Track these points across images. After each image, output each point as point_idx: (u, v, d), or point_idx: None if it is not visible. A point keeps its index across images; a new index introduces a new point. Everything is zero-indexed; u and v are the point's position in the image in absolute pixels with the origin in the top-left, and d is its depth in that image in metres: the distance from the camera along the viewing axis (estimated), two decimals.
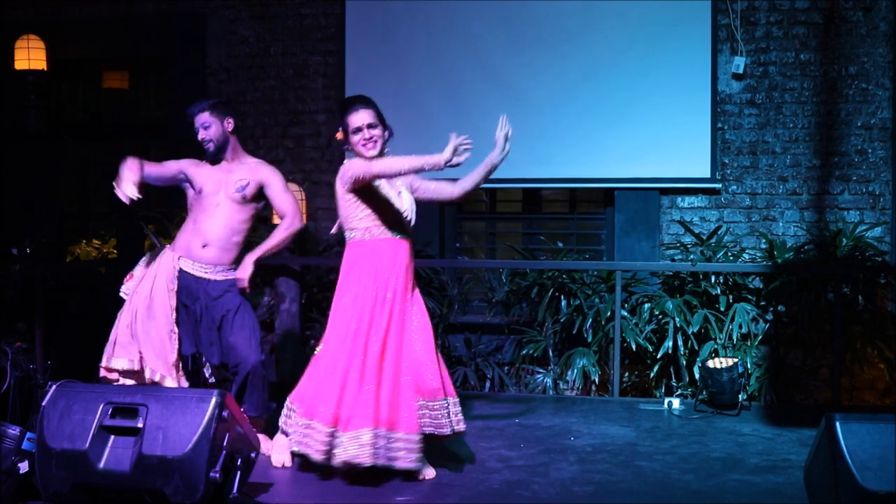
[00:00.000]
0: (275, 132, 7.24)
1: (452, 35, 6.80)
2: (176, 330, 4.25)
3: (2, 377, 4.33)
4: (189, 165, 4.42)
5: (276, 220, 6.35)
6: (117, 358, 4.17)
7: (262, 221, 6.86)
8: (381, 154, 4.03)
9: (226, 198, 4.33)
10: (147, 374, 4.18)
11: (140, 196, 3.96)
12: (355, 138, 4.02)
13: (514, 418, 5.18)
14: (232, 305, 4.30)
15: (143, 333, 4.19)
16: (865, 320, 5.88)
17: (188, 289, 4.29)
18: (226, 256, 4.34)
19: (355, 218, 4.03)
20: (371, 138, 4.00)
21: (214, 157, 4.39)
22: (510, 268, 6.54)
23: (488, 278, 6.63)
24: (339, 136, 4.11)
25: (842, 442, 3.06)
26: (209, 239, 4.30)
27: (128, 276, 4.37)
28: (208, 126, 4.36)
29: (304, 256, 6.47)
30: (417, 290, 4.12)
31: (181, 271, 4.29)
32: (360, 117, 4.02)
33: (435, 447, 4.09)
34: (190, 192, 4.40)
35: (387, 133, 4.09)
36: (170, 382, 4.16)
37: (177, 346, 4.25)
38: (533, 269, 6.31)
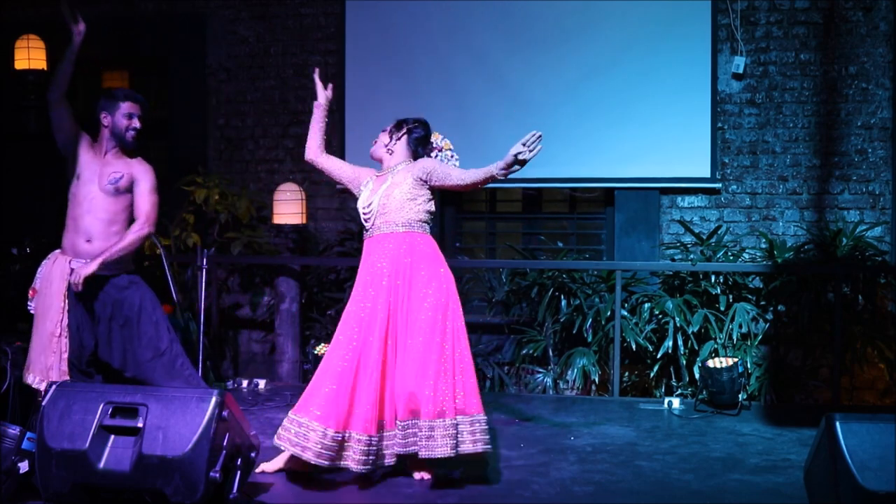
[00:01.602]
0: (275, 132, 7.24)
1: (452, 35, 6.80)
2: (61, 334, 4.18)
3: (2, 377, 4.33)
4: (84, 142, 4.29)
5: (275, 218, 6.38)
6: (30, 373, 4.17)
7: (261, 221, 6.88)
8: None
9: (99, 190, 4.22)
10: (32, 381, 4.15)
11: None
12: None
13: (514, 418, 5.18)
14: (132, 311, 4.23)
15: (32, 342, 4.18)
16: (865, 320, 5.88)
17: (88, 288, 4.16)
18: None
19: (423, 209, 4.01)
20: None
21: (132, 149, 4.29)
22: (510, 268, 6.54)
23: (488, 278, 6.63)
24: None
25: (842, 442, 3.06)
26: (91, 233, 4.22)
27: (31, 292, 4.31)
28: (141, 119, 4.29)
29: (304, 256, 6.48)
30: (431, 297, 3.90)
31: (73, 271, 4.17)
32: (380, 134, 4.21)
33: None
34: (72, 179, 4.28)
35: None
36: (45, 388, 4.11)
37: (62, 351, 4.18)
38: (533, 268, 6.31)
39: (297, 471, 3.91)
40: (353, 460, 3.74)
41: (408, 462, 3.92)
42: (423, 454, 3.70)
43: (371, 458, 3.76)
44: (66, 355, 4.19)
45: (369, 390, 3.78)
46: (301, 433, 3.77)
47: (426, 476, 3.89)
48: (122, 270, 4.27)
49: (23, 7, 7.43)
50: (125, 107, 4.25)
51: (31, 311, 4.29)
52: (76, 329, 4.21)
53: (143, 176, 4.29)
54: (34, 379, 4.16)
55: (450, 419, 3.73)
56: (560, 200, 7.09)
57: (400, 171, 4.05)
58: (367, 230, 4.04)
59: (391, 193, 3.98)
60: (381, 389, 3.82)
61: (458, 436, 3.75)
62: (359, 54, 6.97)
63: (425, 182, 4.00)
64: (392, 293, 3.88)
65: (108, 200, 4.23)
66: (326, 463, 3.72)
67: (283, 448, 3.85)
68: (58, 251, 4.31)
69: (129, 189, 4.26)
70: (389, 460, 3.86)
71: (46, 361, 4.16)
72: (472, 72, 6.71)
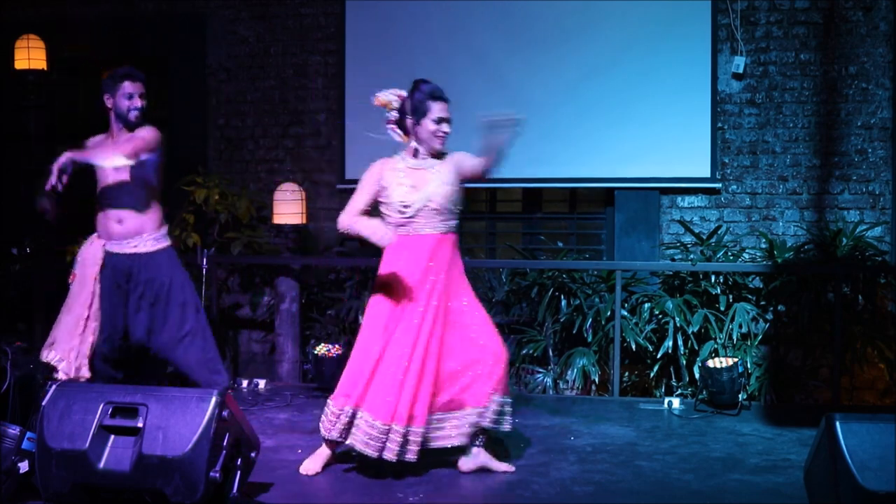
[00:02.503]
0: (275, 132, 7.24)
1: (452, 35, 6.80)
2: (89, 317, 4.27)
3: (2, 377, 4.33)
4: (89, 149, 4.37)
5: (275, 218, 6.37)
6: (52, 351, 4.27)
7: (261, 221, 6.88)
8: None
9: (116, 171, 4.30)
10: (52, 359, 4.24)
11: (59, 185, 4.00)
12: (433, 127, 3.97)
13: (515, 418, 5.17)
14: (161, 290, 4.36)
15: (59, 320, 4.28)
16: (865, 320, 5.88)
17: (114, 269, 4.30)
18: (142, 225, 4.36)
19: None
20: (446, 133, 4.01)
21: (133, 128, 4.32)
22: (510, 267, 6.53)
23: (488, 278, 6.63)
24: (384, 102, 4.02)
25: (842, 442, 3.06)
26: (120, 214, 4.31)
27: (71, 276, 4.38)
28: (143, 97, 4.32)
29: (304, 256, 6.48)
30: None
31: (108, 253, 4.30)
32: (445, 108, 4.01)
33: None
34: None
35: None
36: (63, 368, 4.21)
37: (89, 335, 4.26)
38: (533, 268, 6.31)
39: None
40: (391, 451, 3.77)
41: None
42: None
43: (412, 448, 3.80)
44: (92, 339, 4.24)
45: (414, 382, 3.81)
46: (370, 433, 3.79)
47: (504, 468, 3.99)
48: (159, 248, 4.37)
49: (23, 7, 7.43)
50: (125, 87, 4.30)
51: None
52: (110, 313, 4.30)
53: (145, 133, 4.32)
54: (54, 356, 4.24)
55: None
56: (560, 200, 7.09)
57: (439, 165, 4.01)
58: (403, 226, 3.96)
59: (437, 191, 3.94)
60: (422, 382, 3.84)
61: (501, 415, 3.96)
62: (359, 54, 6.97)
63: (458, 176, 4.00)
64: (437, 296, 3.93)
65: (125, 172, 4.30)
66: (375, 454, 3.77)
67: (331, 439, 3.90)
68: (94, 235, 4.41)
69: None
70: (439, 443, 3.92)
71: (71, 342, 4.24)
72: (472, 72, 6.71)
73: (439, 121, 3.98)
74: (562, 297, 6.21)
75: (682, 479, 4.02)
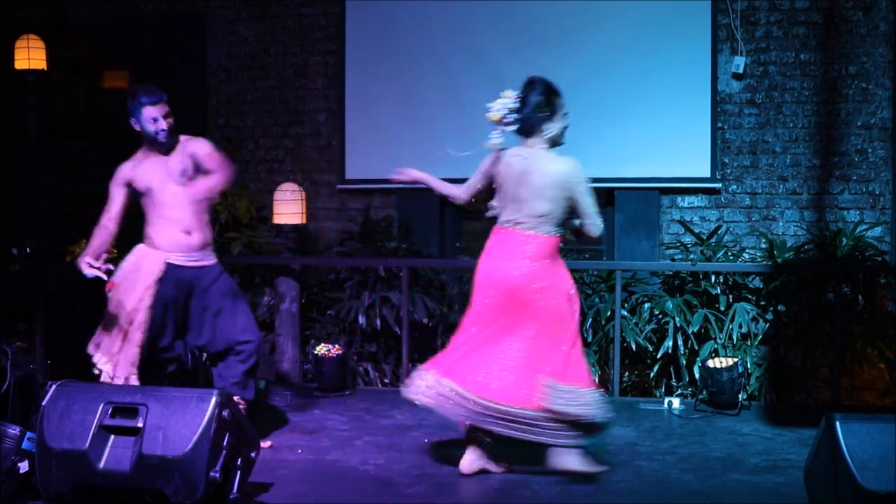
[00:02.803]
0: (275, 132, 7.24)
1: (452, 35, 6.80)
2: (137, 324, 4.26)
3: (2, 377, 4.33)
4: (128, 173, 4.37)
5: (275, 218, 6.37)
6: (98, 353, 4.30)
7: (261, 221, 6.87)
8: None
9: (176, 185, 4.31)
10: (98, 360, 4.27)
11: (101, 268, 4.10)
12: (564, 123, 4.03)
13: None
14: (228, 289, 4.46)
15: (104, 326, 4.29)
16: (865, 320, 5.87)
17: (178, 281, 4.31)
18: (206, 239, 4.40)
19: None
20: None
21: (168, 148, 4.34)
22: None
23: None
24: (498, 117, 3.98)
25: (842, 442, 3.06)
26: (186, 225, 4.32)
27: (109, 286, 4.36)
28: (168, 115, 4.32)
29: (304, 256, 6.47)
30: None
31: (170, 266, 4.30)
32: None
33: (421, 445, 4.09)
34: (143, 196, 4.37)
35: None
36: (107, 371, 4.24)
37: (135, 341, 4.25)
38: None
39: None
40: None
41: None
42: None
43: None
44: (136, 349, 4.25)
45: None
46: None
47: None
48: (212, 260, 4.44)
49: (23, 7, 7.43)
50: (147, 112, 4.28)
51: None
52: (161, 323, 4.31)
53: (197, 147, 4.37)
54: (100, 359, 4.26)
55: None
56: None
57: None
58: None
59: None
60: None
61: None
62: (359, 54, 6.97)
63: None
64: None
65: (188, 191, 4.31)
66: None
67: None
68: (141, 246, 4.38)
69: (197, 171, 4.35)
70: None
71: (111, 350, 4.26)
72: (472, 72, 6.71)
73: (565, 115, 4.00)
74: None
75: (682, 479, 4.02)
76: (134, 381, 4.24)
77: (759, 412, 5.35)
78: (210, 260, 4.42)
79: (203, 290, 4.38)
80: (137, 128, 4.32)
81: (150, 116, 4.26)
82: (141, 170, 4.35)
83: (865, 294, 5.91)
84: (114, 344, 4.25)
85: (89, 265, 4.12)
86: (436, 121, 6.71)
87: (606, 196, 6.80)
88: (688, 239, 6.32)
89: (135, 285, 4.27)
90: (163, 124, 4.27)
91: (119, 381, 4.20)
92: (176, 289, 4.31)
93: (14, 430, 3.56)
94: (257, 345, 4.49)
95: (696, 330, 5.74)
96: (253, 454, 3.50)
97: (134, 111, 4.29)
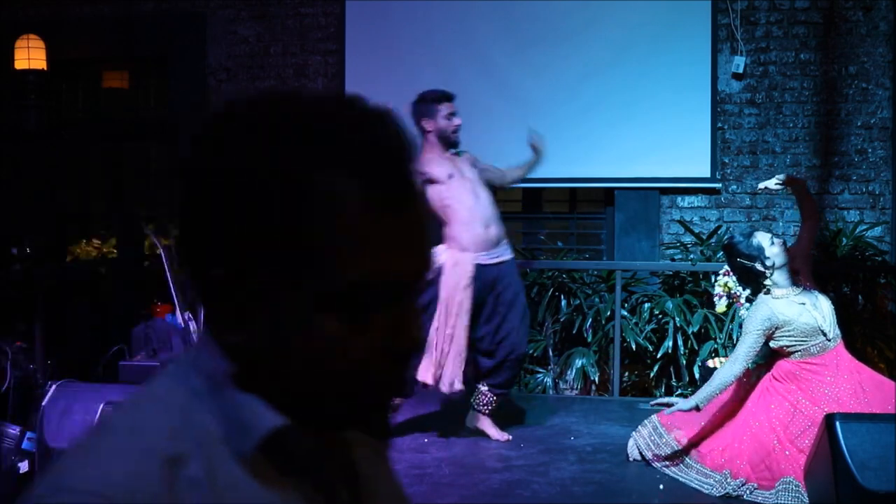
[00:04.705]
0: None
1: (452, 35, 6.80)
2: (461, 331, 4.29)
3: (2, 377, 4.33)
4: (434, 168, 4.35)
5: None
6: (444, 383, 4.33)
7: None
8: None
9: (473, 181, 4.41)
10: (448, 389, 4.34)
11: None
12: None
13: (515, 418, 5.17)
14: (519, 287, 4.56)
15: (443, 351, 4.31)
16: (865, 320, 5.87)
17: (487, 279, 4.38)
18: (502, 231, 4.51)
19: None
20: None
21: (456, 146, 4.45)
22: None
23: None
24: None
25: (842, 442, 3.06)
26: (487, 219, 4.39)
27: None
28: (457, 112, 4.42)
29: None
30: None
31: (478, 266, 4.34)
32: None
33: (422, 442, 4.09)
34: (440, 190, 4.33)
35: None
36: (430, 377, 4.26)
37: (452, 353, 4.27)
38: (533, 268, 6.31)
39: None
40: None
41: None
42: None
43: None
44: (457, 353, 4.28)
45: None
46: None
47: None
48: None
49: (23, 7, 7.43)
50: (443, 108, 4.35)
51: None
52: (470, 323, 4.35)
53: (474, 162, 4.54)
54: (450, 388, 4.28)
55: None
56: (560, 200, 7.09)
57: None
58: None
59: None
60: None
61: None
62: (359, 54, 6.97)
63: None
64: None
65: (484, 188, 4.45)
66: None
67: None
68: (454, 249, 4.33)
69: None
70: None
71: (457, 368, 4.30)
72: (473, 71, 6.71)
73: None
74: (562, 296, 6.21)
75: None
76: (458, 385, 4.32)
77: None
78: (508, 254, 4.59)
79: (503, 283, 4.52)
80: (430, 127, 4.38)
81: (447, 113, 4.39)
82: (437, 166, 4.37)
83: (865, 294, 5.91)
84: (457, 359, 4.33)
85: None
86: None
87: (606, 196, 6.80)
88: (688, 239, 6.32)
89: (457, 295, 4.38)
90: (457, 120, 4.43)
91: (445, 391, 4.28)
92: (482, 288, 4.44)
93: (14, 430, 3.56)
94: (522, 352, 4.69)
95: (695, 330, 5.74)
96: None
97: (428, 110, 4.38)
